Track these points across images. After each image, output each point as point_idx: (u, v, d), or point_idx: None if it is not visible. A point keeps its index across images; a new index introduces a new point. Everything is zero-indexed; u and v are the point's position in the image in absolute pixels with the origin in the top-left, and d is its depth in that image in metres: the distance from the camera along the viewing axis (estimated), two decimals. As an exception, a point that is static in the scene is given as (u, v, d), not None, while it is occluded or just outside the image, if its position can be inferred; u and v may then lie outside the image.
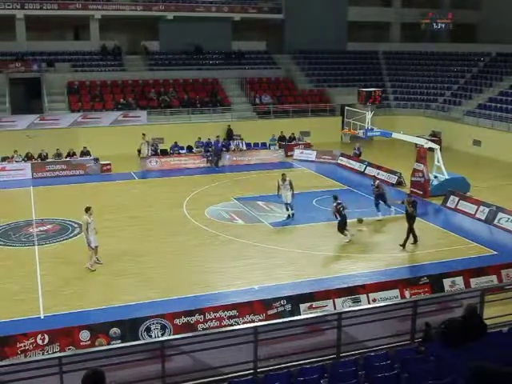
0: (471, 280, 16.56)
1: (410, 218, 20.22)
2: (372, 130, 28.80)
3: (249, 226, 22.71)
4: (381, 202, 23.60)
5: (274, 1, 46.31)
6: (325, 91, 43.17)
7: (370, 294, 15.63)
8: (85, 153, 32.52)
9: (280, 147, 36.27)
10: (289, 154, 35.88)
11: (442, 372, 8.11)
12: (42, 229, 22.46)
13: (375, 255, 19.66)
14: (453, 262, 18.81)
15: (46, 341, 13.04)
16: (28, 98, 38.70)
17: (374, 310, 10.89)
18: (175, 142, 34.53)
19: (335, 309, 14.77)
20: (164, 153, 34.24)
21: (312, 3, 44.85)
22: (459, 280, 16.51)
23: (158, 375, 9.14)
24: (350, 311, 11.81)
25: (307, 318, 11.65)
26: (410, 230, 20.16)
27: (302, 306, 14.93)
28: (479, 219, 23.43)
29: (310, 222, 23.14)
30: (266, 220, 23.28)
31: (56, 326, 13.91)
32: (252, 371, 9.48)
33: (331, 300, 15.25)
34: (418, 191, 26.89)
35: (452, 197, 25.09)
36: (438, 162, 27.17)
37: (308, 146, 37.00)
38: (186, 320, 14.12)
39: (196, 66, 42.78)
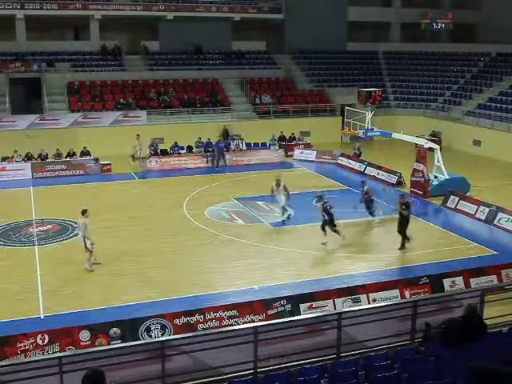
0: (471, 280, 16.56)
1: (404, 221, 20.05)
2: (372, 129, 28.82)
3: (249, 226, 22.71)
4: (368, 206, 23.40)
5: (273, 1, 46.30)
6: (325, 91, 43.16)
7: (370, 294, 15.63)
8: (85, 153, 32.52)
9: (280, 147, 36.26)
10: (289, 153, 35.87)
11: (441, 372, 8.11)
12: (41, 229, 22.46)
13: (375, 255, 19.66)
14: (453, 261, 18.82)
15: (46, 341, 13.04)
16: (28, 98, 38.68)
17: (374, 310, 10.90)
18: (175, 142, 34.53)
19: (335, 309, 14.77)
20: (164, 153, 34.26)
21: (312, 3, 44.84)
22: (459, 280, 16.51)
23: (158, 375, 9.14)
24: (349, 311, 11.82)
25: (307, 318, 11.66)
26: (402, 233, 20.03)
27: (302, 306, 14.93)
28: (479, 219, 23.44)
29: (309, 222, 23.08)
30: (266, 220, 23.28)
31: (56, 326, 13.90)
32: (252, 371, 9.49)
33: (331, 300, 15.25)
34: (418, 191, 26.91)
35: (452, 197, 25.10)
36: (438, 162, 27.17)
37: (308, 146, 36.99)
38: (186, 320, 14.12)
39: (196, 65, 42.77)
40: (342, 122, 36.35)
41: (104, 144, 32.94)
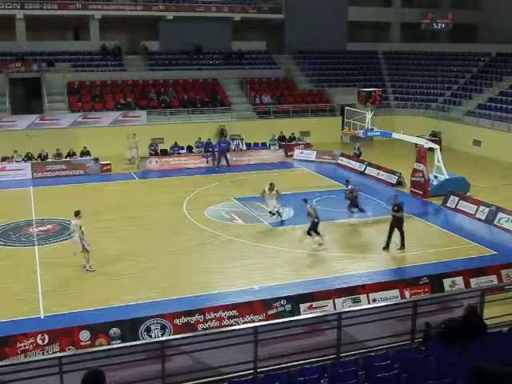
0: (471, 280, 16.56)
1: (398, 222, 19.95)
2: (372, 129, 28.81)
3: (249, 226, 22.71)
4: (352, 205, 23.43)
5: (274, 1, 46.31)
6: (325, 91, 43.16)
7: (370, 294, 15.63)
8: (85, 153, 32.52)
9: (280, 147, 36.27)
10: (289, 153, 35.87)
11: (442, 372, 8.12)
12: (41, 229, 22.46)
13: (375, 255, 19.67)
14: (453, 261, 18.82)
15: (46, 341, 13.04)
16: (28, 97, 38.68)
17: (374, 310, 10.90)
18: (175, 142, 34.54)
19: (335, 309, 14.77)
20: (164, 153, 34.27)
21: (312, 3, 44.82)
22: (459, 280, 16.51)
23: (158, 375, 9.14)
24: (350, 311, 11.82)
25: (307, 318, 11.66)
26: (389, 233, 19.98)
27: (302, 306, 14.93)
28: (479, 219, 23.44)
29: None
30: (265, 220, 23.27)
31: (56, 325, 13.91)
32: (252, 371, 9.49)
33: (331, 300, 15.25)
34: (418, 191, 26.91)
35: (452, 197, 25.10)
36: (438, 161, 27.18)
37: (308, 146, 36.99)
38: (185, 320, 14.12)
39: (196, 66, 42.76)
40: (342, 122, 36.36)
41: (104, 144, 32.93)
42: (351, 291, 15.71)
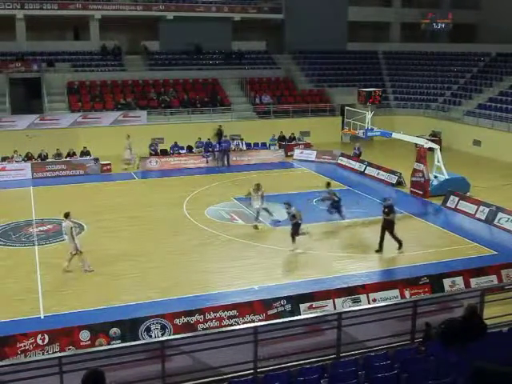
0: (471, 280, 16.55)
1: (389, 225, 19.74)
2: (372, 129, 28.80)
3: (249, 226, 22.69)
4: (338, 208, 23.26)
5: (274, 1, 46.31)
6: (325, 91, 43.17)
7: (370, 294, 15.62)
8: (85, 153, 32.52)
9: (280, 147, 36.26)
10: (289, 153, 35.86)
11: (441, 372, 8.12)
12: (41, 229, 22.46)
13: (375, 255, 19.65)
14: (453, 261, 18.82)
15: (46, 341, 13.04)
16: (28, 97, 38.69)
17: (373, 310, 10.90)
18: (175, 142, 34.54)
19: (335, 309, 14.77)
20: (164, 153, 34.28)
21: (312, 3, 44.84)
22: (459, 280, 16.50)
23: (158, 375, 9.15)
24: (349, 311, 11.82)
25: (307, 318, 11.66)
26: (381, 236, 19.77)
27: (302, 306, 14.93)
28: (479, 219, 23.43)
29: (309, 221, 23.07)
30: (265, 220, 23.26)
31: (56, 325, 13.90)
32: (252, 371, 9.49)
33: (331, 300, 15.24)
34: (418, 191, 26.91)
35: (452, 197, 25.10)
36: (438, 161, 27.18)
37: (308, 146, 37.00)
38: (185, 320, 14.12)
39: (196, 65, 42.77)
40: (342, 121, 36.35)
41: (104, 144, 32.93)
42: (351, 291, 15.70)
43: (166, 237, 21.53)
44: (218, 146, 34.09)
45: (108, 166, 31.92)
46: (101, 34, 42.47)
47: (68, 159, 32.04)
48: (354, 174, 31.69)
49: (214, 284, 17.38)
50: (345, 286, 16.48)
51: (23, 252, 20.15)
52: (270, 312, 14.65)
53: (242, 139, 35.87)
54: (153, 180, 30.95)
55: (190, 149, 35.05)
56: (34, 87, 38.04)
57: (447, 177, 26.96)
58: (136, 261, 19.11)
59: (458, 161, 32.34)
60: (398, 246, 19.87)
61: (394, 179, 29.25)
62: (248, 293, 16.45)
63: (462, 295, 11.91)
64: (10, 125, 34.85)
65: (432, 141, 30.78)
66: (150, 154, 33.72)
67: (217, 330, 11.32)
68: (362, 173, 31.53)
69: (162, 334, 13.59)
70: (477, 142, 36.90)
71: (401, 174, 29.23)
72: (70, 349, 12.89)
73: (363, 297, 15.54)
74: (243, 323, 13.90)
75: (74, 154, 32.39)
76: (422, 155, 26.84)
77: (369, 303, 15.13)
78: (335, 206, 23.10)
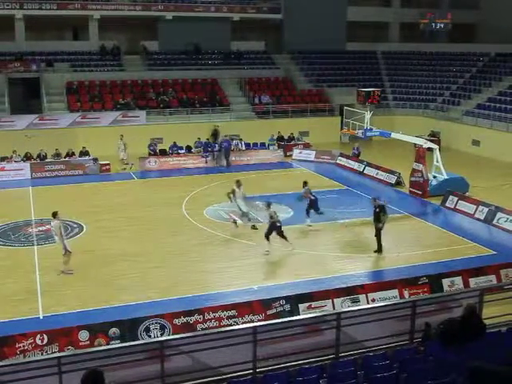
0: (470, 280, 16.55)
1: (379, 224, 19.62)
2: (371, 129, 28.82)
3: (248, 225, 22.68)
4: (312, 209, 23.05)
5: (273, 1, 46.32)
6: (324, 91, 43.18)
7: (369, 294, 15.63)
8: (84, 153, 32.51)
9: (279, 147, 36.27)
10: (288, 153, 35.87)
11: (440, 372, 8.12)
12: (41, 229, 22.45)
13: (374, 255, 19.66)
14: (452, 261, 18.83)
15: (45, 341, 13.04)
16: (27, 97, 38.70)
17: (372, 310, 10.89)
18: (174, 142, 34.55)
19: (334, 309, 14.77)
20: (163, 153, 34.28)
21: (311, 3, 44.86)
22: (458, 280, 16.51)
23: (158, 375, 9.14)
24: (348, 311, 11.82)
25: (306, 318, 11.65)
26: (377, 236, 19.65)
27: (301, 306, 14.93)
28: (478, 219, 23.45)
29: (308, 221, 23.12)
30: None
31: (55, 326, 13.90)
32: (251, 371, 9.49)
33: (330, 300, 15.25)
34: (417, 191, 26.93)
35: (451, 197, 25.11)
36: (437, 161, 27.19)
37: (307, 146, 37.01)
38: (185, 320, 14.12)
39: (195, 65, 42.78)
40: (341, 121, 36.37)
41: (103, 144, 32.91)
42: (350, 291, 15.71)
43: (165, 237, 21.53)
44: (216, 146, 34.10)
45: (107, 166, 31.90)
46: (100, 34, 42.48)
47: (67, 159, 32.03)
48: (353, 174, 31.71)
49: (213, 284, 17.39)
50: (344, 286, 16.48)
51: (22, 252, 20.15)
52: (269, 312, 14.65)
53: (240, 139, 35.88)
54: (152, 180, 30.95)
55: (189, 149, 35.05)
56: (33, 87, 38.05)
57: (446, 177, 26.97)
58: (135, 261, 19.11)
59: (457, 161, 32.38)
60: (377, 248, 19.62)
61: (393, 179, 29.27)
62: (247, 293, 16.46)
63: (460, 295, 11.89)
64: (9, 125, 34.85)
65: (431, 141, 30.80)
66: (149, 154, 33.72)
67: (216, 330, 11.31)
68: (361, 173, 31.55)
69: (162, 334, 13.59)
70: (476, 142, 36.93)
71: (400, 173, 29.25)
72: (69, 349, 12.89)
73: (362, 297, 15.55)
74: (242, 323, 13.90)
75: (73, 154, 32.39)
76: (421, 155, 26.86)
77: (368, 303, 15.13)
78: (311, 205, 23.00)
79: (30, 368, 8.64)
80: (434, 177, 27.25)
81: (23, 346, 12.85)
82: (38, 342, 12.98)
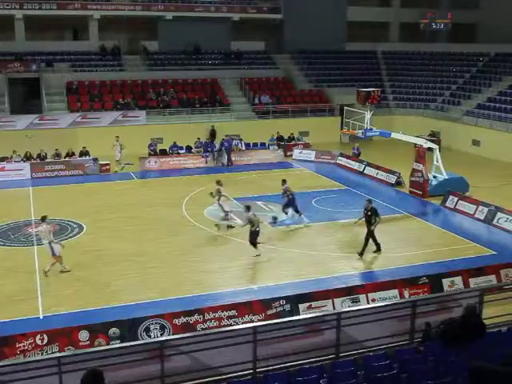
0: (470, 280, 16.57)
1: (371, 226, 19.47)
2: (371, 129, 28.79)
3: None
4: (291, 207, 23.10)
5: (273, 1, 46.33)
6: (324, 91, 43.18)
7: (369, 294, 15.64)
8: (84, 153, 32.51)
9: (279, 147, 36.26)
10: (288, 154, 35.87)
11: (441, 372, 8.12)
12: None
13: (374, 255, 19.65)
14: (452, 261, 18.83)
15: (45, 341, 13.04)
16: (27, 98, 38.71)
17: (373, 310, 10.89)
18: (174, 142, 34.55)
19: (334, 309, 14.77)
20: (163, 153, 34.28)
21: (311, 3, 44.87)
22: (458, 280, 16.52)
23: (158, 375, 9.13)
24: (349, 311, 11.81)
25: (306, 318, 11.65)
26: (371, 237, 19.44)
27: (301, 306, 14.94)
28: (478, 219, 23.44)
29: (309, 221, 23.11)
30: (265, 220, 23.23)
31: (55, 326, 13.91)
32: (251, 371, 9.48)
33: (330, 300, 15.26)
34: (417, 191, 26.92)
35: (451, 197, 25.11)
36: (437, 161, 27.19)
37: (307, 146, 37.01)
38: (185, 320, 14.13)
39: (195, 65, 42.79)
40: (341, 121, 36.35)
41: (103, 144, 32.85)
42: (350, 291, 15.72)
43: (165, 237, 21.53)
44: (216, 146, 34.12)
45: (107, 166, 31.91)
46: (100, 34, 42.49)
47: (67, 159, 32.04)
48: (353, 174, 31.70)
49: (213, 284, 17.39)
50: (344, 285, 16.48)
51: (22, 252, 20.14)
52: (270, 312, 14.66)
53: (241, 139, 35.90)
54: (152, 180, 30.95)
55: (189, 149, 35.06)
56: (33, 87, 38.07)
57: (446, 177, 26.97)
58: (135, 261, 19.11)
59: (457, 161, 32.35)
60: (360, 250, 19.43)
61: (393, 179, 29.27)
62: (247, 293, 16.46)
63: (461, 295, 11.91)
64: (9, 125, 34.84)
65: (431, 141, 30.78)
66: (149, 154, 33.72)
67: (216, 330, 11.32)
68: (361, 173, 31.55)
69: (162, 334, 13.59)
70: (476, 142, 36.93)
71: (400, 173, 29.25)
72: (69, 349, 12.89)
73: (362, 297, 15.56)
74: (242, 323, 13.90)
75: (73, 154, 32.39)
76: (421, 155, 26.86)
77: (368, 303, 15.13)
78: (289, 204, 22.96)
79: (30, 368, 8.64)
80: (434, 177, 27.24)
81: (23, 346, 12.86)
82: (39, 342, 12.99)
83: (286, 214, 23.17)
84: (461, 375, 7.54)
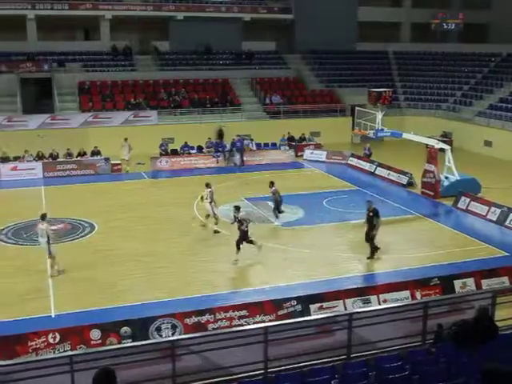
0: (482, 281, 16.46)
1: (373, 229, 19.18)
2: (382, 130, 28.69)
3: (259, 226, 22.68)
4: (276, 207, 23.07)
5: (284, 1, 46.31)
6: (335, 91, 43.10)
7: (380, 295, 15.57)
8: (95, 152, 32.65)
9: (290, 147, 36.24)
10: (299, 154, 35.85)
11: (453, 373, 8.09)
12: (52, 228, 22.49)
13: (386, 256, 19.56)
14: (464, 263, 18.71)
15: (58, 339, 13.09)
16: (39, 97, 38.92)
17: (384, 311, 10.87)
18: (185, 142, 34.62)
19: (345, 309, 14.73)
20: (174, 153, 34.36)
21: (322, 3, 44.81)
22: (470, 281, 16.41)
23: (169, 374, 9.16)
24: (360, 312, 11.79)
25: (317, 319, 11.64)
26: (370, 241, 19.18)
27: (313, 307, 14.90)
28: (490, 220, 23.31)
29: (320, 222, 23.09)
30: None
31: (67, 324, 13.95)
32: (262, 371, 9.49)
33: (341, 301, 15.21)
34: (429, 192, 26.81)
35: (463, 198, 24.98)
36: (449, 162, 27.06)
37: (318, 147, 36.96)
38: (196, 320, 14.13)
39: (206, 66, 42.84)
40: (353, 122, 36.26)
41: (115, 144, 32.94)
42: (362, 292, 15.66)
43: (176, 236, 21.56)
44: (227, 146, 34.17)
45: (118, 166, 32.03)
46: (111, 34, 42.64)
47: (79, 159, 32.19)
48: (365, 175, 31.63)
49: (224, 284, 17.40)
50: (355, 286, 16.44)
51: (34, 251, 20.21)
52: (281, 312, 14.64)
53: (251, 139, 35.92)
54: (163, 180, 31.02)
55: (200, 149, 35.12)
56: (45, 87, 38.25)
57: (458, 177, 26.84)
58: (146, 260, 19.15)
59: (468, 161, 32.15)
60: (370, 253, 19.24)
61: (404, 180, 29.16)
62: (258, 293, 16.45)
63: (473, 297, 11.86)
64: (21, 124, 35.06)
65: (443, 141, 30.65)
66: (161, 154, 33.82)
67: (227, 330, 11.34)
68: (373, 173, 31.47)
69: (173, 334, 13.61)
70: (488, 143, 36.74)
71: (411, 174, 29.12)
72: (80, 347, 12.95)
73: (374, 297, 15.49)
74: (253, 323, 13.90)
75: (85, 153, 32.53)
76: (433, 156, 26.74)
77: (379, 304, 15.07)
78: (277, 205, 22.99)
79: (42, 366, 8.69)
80: (446, 178, 27.12)
81: (36, 345, 12.92)
82: (51, 340, 13.04)
83: (277, 217, 23.07)
84: (473, 377, 7.50)
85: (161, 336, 13.51)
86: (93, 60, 41.60)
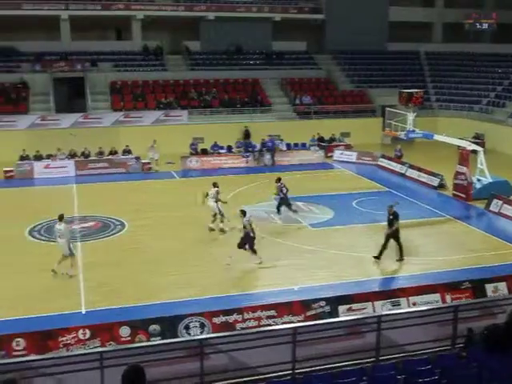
0: (515, 286, 16.21)
1: (394, 233, 18.89)
2: (414, 131, 28.41)
3: (288, 226, 22.66)
4: (283, 205, 23.22)
5: (314, 1, 46.17)
6: (365, 92, 42.84)
7: (410, 298, 15.41)
8: (126, 151, 32.96)
9: (320, 148, 36.13)
10: (329, 154, 35.71)
11: (484, 378, 7.97)
12: (84, 225, 22.82)
13: (416, 258, 19.39)
14: (496, 267, 18.43)
15: (88, 336, 13.25)
16: (72, 97, 39.45)
17: (413, 314, 10.77)
18: (215, 142, 34.75)
19: (374, 311, 14.63)
20: (204, 152, 34.52)
21: (353, 3, 44.58)
22: (502, 286, 16.15)
23: (197, 373, 9.20)
24: (389, 314, 11.69)
25: (346, 321, 11.58)
26: (385, 241, 18.93)
27: (341, 308, 14.83)
28: (523, 224, 22.94)
29: (350, 223, 22.98)
30: (305, 221, 23.19)
31: (97, 321, 14.11)
32: (290, 372, 9.47)
33: (370, 303, 15.10)
34: (461, 194, 26.48)
35: (495, 200, 24.61)
36: (481, 164, 26.68)
37: (348, 147, 36.77)
38: (224, 319, 14.16)
39: (236, 66, 42.92)
40: (383, 123, 35.97)
41: (145, 143, 33.25)
42: (391, 294, 15.52)
43: (205, 236, 21.64)
44: (257, 146, 34.23)
45: (149, 165, 32.29)
46: (143, 34, 42.99)
47: (110, 157, 32.54)
48: (395, 176, 31.37)
49: (253, 283, 17.43)
50: (385, 288, 16.31)
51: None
52: (309, 313, 14.59)
53: (281, 139, 35.91)
54: (193, 179, 31.16)
55: (229, 148, 35.23)
56: (78, 87, 38.76)
57: (490, 180, 26.45)
58: (176, 259, 19.28)
59: (501, 163, 31.62)
60: (399, 256, 19.03)
61: (435, 181, 28.83)
62: (287, 293, 16.42)
63: (505, 301, 11.68)
64: (54, 123, 35.59)
65: (475, 143, 30.21)
66: (191, 154, 34.01)
67: (255, 330, 11.34)
68: (403, 175, 31.18)
69: (201, 333, 13.66)
70: (521, 145, 36.12)
71: (442, 176, 28.77)
72: (110, 344, 13.08)
73: (403, 300, 15.33)
74: (282, 323, 13.88)
75: (116, 152, 32.87)
76: (465, 158, 26.40)
77: (409, 307, 14.93)
78: (282, 202, 23.10)
79: (72, 362, 8.80)
80: (478, 180, 26.74)
81: (66, 340, 13.09)
82: (81, 336, 13.19)
83: (280, 213, 23.25)
84: (505, 382, 7.39)
85: (189, 334, 13.57)
86: (124, 60, 42.00)
